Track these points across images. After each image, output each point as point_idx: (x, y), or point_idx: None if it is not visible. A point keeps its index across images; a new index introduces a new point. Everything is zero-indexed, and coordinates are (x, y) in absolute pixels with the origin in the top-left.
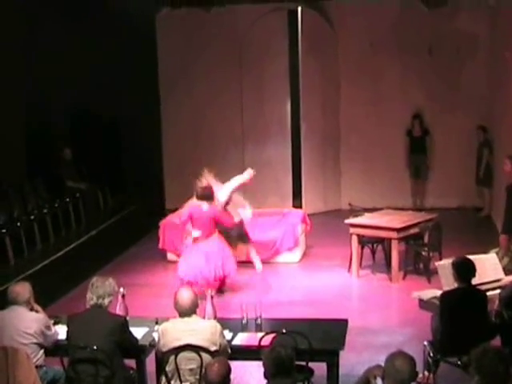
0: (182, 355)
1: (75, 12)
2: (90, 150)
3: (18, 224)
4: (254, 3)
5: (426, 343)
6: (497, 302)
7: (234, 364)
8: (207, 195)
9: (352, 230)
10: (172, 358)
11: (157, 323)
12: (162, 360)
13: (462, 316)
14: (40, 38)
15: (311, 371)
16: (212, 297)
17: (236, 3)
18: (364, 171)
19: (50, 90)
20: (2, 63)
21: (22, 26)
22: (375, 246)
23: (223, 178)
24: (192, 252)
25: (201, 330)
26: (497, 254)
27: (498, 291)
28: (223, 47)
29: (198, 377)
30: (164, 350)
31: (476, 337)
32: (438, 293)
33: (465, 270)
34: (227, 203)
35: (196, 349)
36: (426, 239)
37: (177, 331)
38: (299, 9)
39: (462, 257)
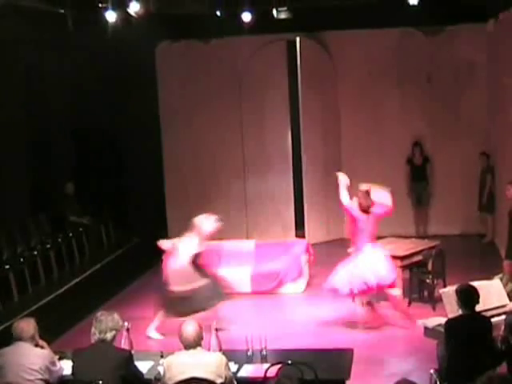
0: None
1: (77, 42)
2: (91, 184)
3: (22, 260)
4: (252, 34)
5: (432, 371)
6: (502, 327)
7: None
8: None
9: None
10: None
11: (162, 357)
12: None
13: (467, 343)
14: (41, 69)
15: None
16: (216, 329)
17: (235, 35)
18: None
19: (51, 124)
20: (1, 100)
21: (24, 53)
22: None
23: (226, 210)
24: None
25: (206, 363)
26: (501, 279)
27: (503, 317)
28: (223, 79)
29: None
30: (169, 383)
31: (482, 364)
32: (443, 320)
33: (468, 297)
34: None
35: (201, 382)
36: (429, 266)
37: (182, 364)
38: (298, 39)
39: (465, 284)
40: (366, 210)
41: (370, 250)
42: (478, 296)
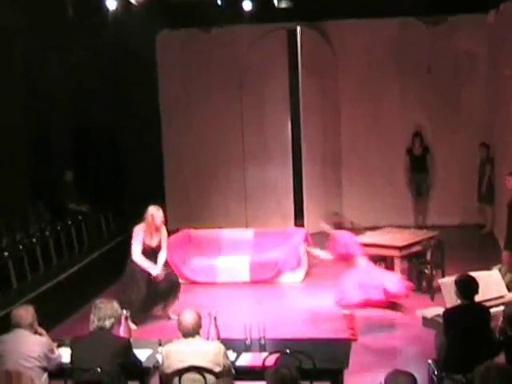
0: (186, 377)
1: (76, 33)
2: (91, 172)
3: (21, 247)
4: (253, 24)
5: (430, 361)
6: (501, 318)
7: None
8: None
9: None
10: (176, 379)
11: (160, 345)
12: (166, 382)
13: (465, 334)
14: (39, 59)
15: None
16: (215, 318)
17: (235, 24)
18: (365, 190)
19: (50, 112)
20: (1, 87)
21: (23, 44)
22: (378, 264)
23: (225, 199)
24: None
25: (204, 351)
26: (500, 270)
27: (501, 308)
28: (223, 67)
29: None
30: (168, 371)
31: (480, 354)
32: (442, 311)
33: (468, 287)
34: None
35: (200, 370)
36: (428, 257)
37: (180, 353)
38: (298, 29)
39: (464, 274)
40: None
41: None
42: (478, 286)
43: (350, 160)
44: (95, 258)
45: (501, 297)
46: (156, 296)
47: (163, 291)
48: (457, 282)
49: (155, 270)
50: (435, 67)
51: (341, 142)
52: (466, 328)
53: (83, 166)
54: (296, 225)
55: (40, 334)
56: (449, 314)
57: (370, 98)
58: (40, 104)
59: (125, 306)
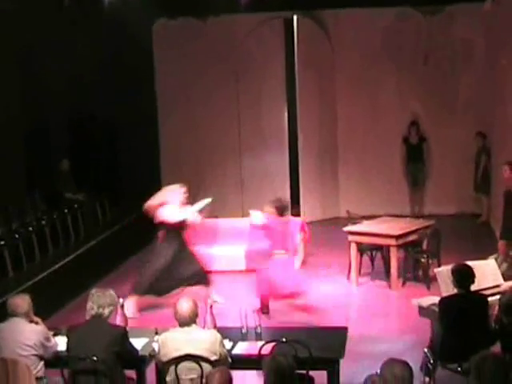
0: (183, 365)
1: (73, 22)
2: (87, 161)
3: (17, 236)
4: (249, 13)
5: (426, 350)
6: (496, 307)
7: (234, 373)
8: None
9: (351, 237)
10: (172, 368)
11: (156, 333)
12: (162, 370)
13: (461, 322)
14: (37, 50)
15: (312, 380)
16: (211, 306)
17: (232, 13)
18: (362, 179)
19: (48, 101)
20: None
21: (20, 33)
22: (374, 253)
23: (221, 189)
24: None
25: (201, 340)
26: (496, 259)
27: (497, 297)
28: (219, 56)
29: None
30: (164, 360)
31: (476, 343)
32: (438, 300)
33: (464, 276)
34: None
35: (196, 359)
36: (424, 246)
37: (177, 341)
38: (295, 18)
39: (460, 263)
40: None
41: None
42: (474, 275)
43: (347, 149)
44: (91, 247)
45: (497, 286)
46: (178, 276)
47: (187, 274)
48: (453, 271)
49: (195, 217)
50: (432, 56)
51: (337, 132)
52: (461, 317)
53: (80, 156)
54: (292, 214)
55: (36, 323)
56: (444, 302)
57: (367, 87)
58: (37, 95)
59: (147, 278)
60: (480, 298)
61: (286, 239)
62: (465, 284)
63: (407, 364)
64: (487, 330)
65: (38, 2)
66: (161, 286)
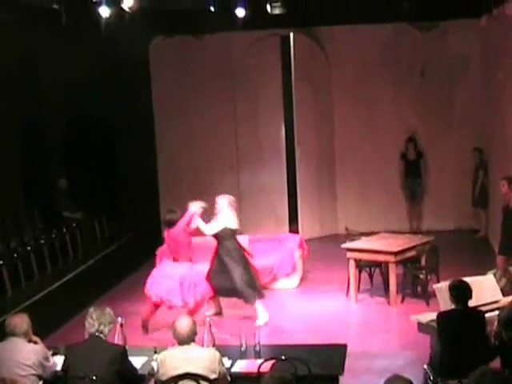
0: None
1: (70, 38)
2: (85, 180)
3: (15, 255)
4: (246, 30)
5: (425, 366)
6: (495, 323)
7: None
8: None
9: (349, 254)
10: None
11: (155, 352)
12: None
13: (459, 338)
14: (35, 63)
15: None
16: (210, 324)
17: (228, 30)
18: (360, 195)
19: (44, 120)
20: None
21: (18, 49)
22: (373, 269)
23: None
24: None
25: (200, 358)
26: (494, 275)
27: (496, 312)
28: (216, 74)
29: None
30: (163, 378)
31: (475, 359)
32: None
33: (461, 292)
34: None
35: (195, 377)
36: (423, 262)
37: (176, 360)
38: (291, 35)
39: (457, 279)
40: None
41: None
42: (471, 291)
43: (344, 165)
44: (90, 265)
45: (495, 301)
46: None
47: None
48: (450, 287)
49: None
50: (428, 71)
51: (335, 148)
52: (459, 332)
53: (77, 174)
54: (291, 230)
55: (35, 342)
56: (442, 317)
57: (364, 104)
58: (35, 111)
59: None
60: (477, 313)
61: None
62: (462, 300)
63: (410, 381)
64: (486, 346)
65: (36, 17)
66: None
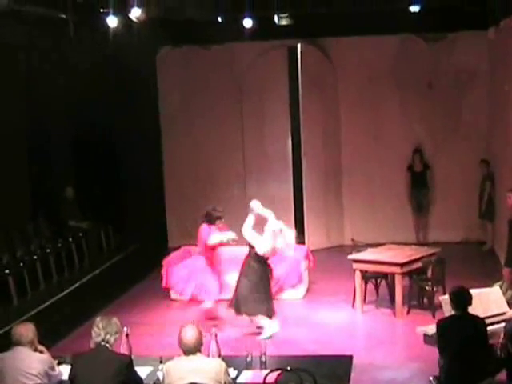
0: None
1: (78, 48)
2: (91, 189)
3: (21, 264)
4: (253, 41)
5: (431, 378)
6: (502, 335)
7: None
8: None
9: (355, 265)
10: None
11: (161, 362)
12: None
13: (459, 344)
14: (40, 76)
15: None
16: (216, 334)
17: (236, 41)
18: (366, 206)
19: (51, 129)
20: (3, 105)
21: (25, 59)
22: (379, 281)
23: (226, 217)
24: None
25: (205, 369)
26: (500, 287)
27: (502, 325)
28: (223, 85)
29: None
30: None
31: (479, 367)
32: None
33: (459, 297)
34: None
35: None
36: (429, 274)
37: (181, 370)
38: (299, 46)
39: (457, 286)
40: None
41: None
42: (470, 297)
43: (351, 176)
44: (96, 274)
45: (502, 313)
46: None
47: None
48: (450, 293)
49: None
50: (436, 83)
51: (341, 158)
52: (458, 338)
53: (84, 183)
54: (297, 242)
55: (41, 352)
56: (441, 324)
57: (371, 115)
58: (41, 118)
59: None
60: (476, 318)
61: None
62: (461, 305)
63: None
64: (489, 355)
65: (43, 29)
66: None
